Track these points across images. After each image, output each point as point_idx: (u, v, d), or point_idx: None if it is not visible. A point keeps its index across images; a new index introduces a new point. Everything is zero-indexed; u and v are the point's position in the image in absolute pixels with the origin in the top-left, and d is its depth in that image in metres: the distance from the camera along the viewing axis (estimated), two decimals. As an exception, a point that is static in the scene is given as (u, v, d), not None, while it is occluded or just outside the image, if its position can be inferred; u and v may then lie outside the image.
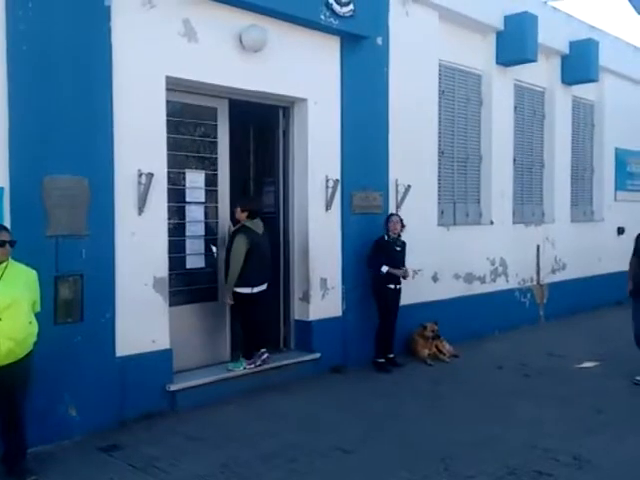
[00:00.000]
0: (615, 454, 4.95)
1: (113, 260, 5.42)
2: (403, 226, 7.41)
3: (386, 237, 7.31)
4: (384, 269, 7.16)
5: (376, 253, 7.29)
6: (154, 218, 5.72)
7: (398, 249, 7.34)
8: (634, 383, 6.77)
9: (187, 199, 6.35)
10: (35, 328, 4.35)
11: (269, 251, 6.65)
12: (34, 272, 4.42)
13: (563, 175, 11.04)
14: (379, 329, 7.37)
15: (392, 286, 7.29)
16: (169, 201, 5.92)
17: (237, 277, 6.28)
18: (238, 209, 6.49)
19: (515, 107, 10.05)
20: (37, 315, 4.43)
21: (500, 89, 9.61)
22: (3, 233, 4.25)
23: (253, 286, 6.38)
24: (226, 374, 6.33)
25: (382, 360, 7.35)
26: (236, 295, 6.37)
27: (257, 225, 6.48)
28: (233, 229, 6.49)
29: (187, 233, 6.40)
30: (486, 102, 9.49)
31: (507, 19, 9.21)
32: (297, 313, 7.24)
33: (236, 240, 6.31)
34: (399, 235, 7.36)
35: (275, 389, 6.38)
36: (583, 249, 11.41)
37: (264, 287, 6.54)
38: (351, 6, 6.92)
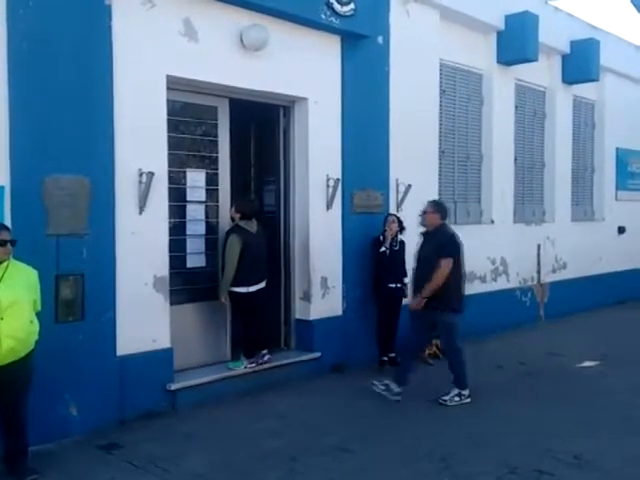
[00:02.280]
0: (616, 454, 4.95)
1: (114, 259, 5.42)
2: (403, 228, 7.41)
3: (381, 237, 7.31)
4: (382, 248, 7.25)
5: (373, 253, 7.32)
6: (155, 217, 5.72)
7: (396, 248, 7.34)
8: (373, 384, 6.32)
9: (188, 198, 6.36)
10: (36, 327, 4.36)
11: (264, 250, 6.62)
12: (35, 271, 4.43)
13: (564, 174, 11.04)
14: (377, 328, 7.39)
15: (392, 285, 7.30)
16: (170, 200, 5.92)
17: (232, 276, 6.29)
18: (232, 209, 6.51)
19: (516, 106, 10.05)
20: (38, 314, 4.43)
21: (501, 88, 9.61)
22: (4, 232, 4.25)
23: (249, 285, 6.38)
24: (227, 373, 6.34)
25: (385, 358, 7.37)
26: (234, 295, 6.38)
27: (251, 225, 6.47)
28: (227, 229, 6.51)
29: (188, 232, 6.40)
30: (487, 101, 9.49)
31: (508, 18, 9.21)
32: (298, 312, 7.24)
33: (229, 240, 6.32)
34: (396, 235, 7.35)
35: (275, 388, 6.38)
36: (584, 248, 11.41)
37: (261, 286, 6.52)
38: (352, 5, 6.91)
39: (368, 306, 7.45)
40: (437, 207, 6.33)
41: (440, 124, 8.72)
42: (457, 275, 6.14)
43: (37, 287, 4.44)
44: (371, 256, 7.37)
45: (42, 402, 4.81)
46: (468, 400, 6.20)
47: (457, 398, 6.20)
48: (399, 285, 7.35)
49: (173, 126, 6.04)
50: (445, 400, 6.18)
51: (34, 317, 4.35)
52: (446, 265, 5.98)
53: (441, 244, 6.09)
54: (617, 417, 5.79)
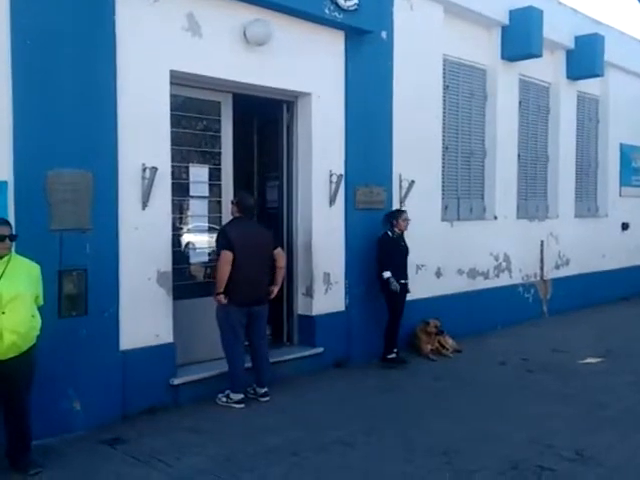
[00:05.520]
0: (618, 450, 4.95)
1: (117, 254, 5.43)
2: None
3: (390, 233, 7.30)
4: (386, 275, 7.14)
5: (386, 252, 7.26)
6: (158, 212, 5.72)
7: (403, 245, 7.36)
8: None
9: (191, 193, 6.36)
10: (38, 322, 4.36)
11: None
12: (37, 266, 4.43)
13: (567, 170, 11.02)
14: (388, 325, 7.35)
15: (403, 281, 7.28)
16: (173, 195, 5.92)
17: None
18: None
19: (520, 102, 10.02)
20: (41, 309, 4.44)
21: (505, 84, 9.57)
22: (3, 227, 4.25)
23: None
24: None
25: (393, 356, 7.34)
26: None
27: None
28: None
29: (190, 227, 6.41)
30: (491, 97, 9.46)
31: (512, 13, 9.18)
32: (300, 308, 7.24)
33: None
34: (402, 232, 7.37)
35: (278, 384, 6.38)
36: (587, 245, 11.39)
37: None
38: (355, 0, 6.89)
39: (371, 302, 7.45)
40: (235, 198, 6.18)
41: (444, 119, 8.70)
42: (236, 269, 5.79)
43: (39, 282, 4.44)
44: (383, 252, 7.27)
45: (45, 397, 4.83)
46: (239, 406, 5.81)
47: (224, 399, 5.90)
48: (403, 282, 7.34)
49: (176, 121, 6.04)
50: (218, 397, 5.92)
51: (36, 312, 4.36)
52: (220, 258, 5.80)
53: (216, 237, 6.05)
54: (620, 414, 5.79)
